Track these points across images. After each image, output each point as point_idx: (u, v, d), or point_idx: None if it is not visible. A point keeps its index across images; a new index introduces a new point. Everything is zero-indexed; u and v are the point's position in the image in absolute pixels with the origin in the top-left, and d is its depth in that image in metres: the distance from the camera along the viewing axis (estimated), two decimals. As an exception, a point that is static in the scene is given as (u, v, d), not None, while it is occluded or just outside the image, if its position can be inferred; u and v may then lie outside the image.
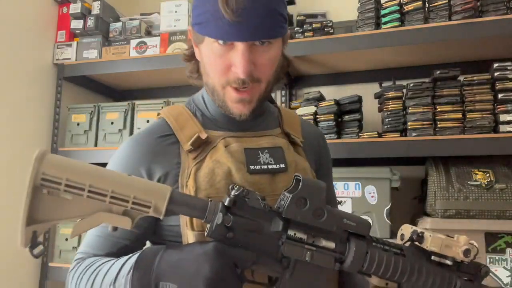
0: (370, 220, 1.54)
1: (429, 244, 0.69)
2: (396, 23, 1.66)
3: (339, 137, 1.69)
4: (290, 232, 0.65)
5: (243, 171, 0.75)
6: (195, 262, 0.61)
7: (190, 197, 0.65)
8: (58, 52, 2.11)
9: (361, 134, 1.66)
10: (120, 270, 0.65)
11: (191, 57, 0.84)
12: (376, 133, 1.64)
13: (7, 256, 1.82)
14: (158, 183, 0.64)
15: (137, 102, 2.00)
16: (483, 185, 1.46)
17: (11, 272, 1.84)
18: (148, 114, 1.95)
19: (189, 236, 0.72)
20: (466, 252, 0.69)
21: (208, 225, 0.62)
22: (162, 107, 1.91)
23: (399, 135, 1.61)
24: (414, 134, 1.57)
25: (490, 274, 1.39)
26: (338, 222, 0.66)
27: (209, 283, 0.59)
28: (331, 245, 0.66)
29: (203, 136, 0.76)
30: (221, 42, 0.71)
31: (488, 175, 1.48)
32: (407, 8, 1.65)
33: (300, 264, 0.65)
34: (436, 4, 1.61)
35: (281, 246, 0.64)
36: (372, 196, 1.56)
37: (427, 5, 1.64)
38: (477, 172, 1.50)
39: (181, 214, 0.64)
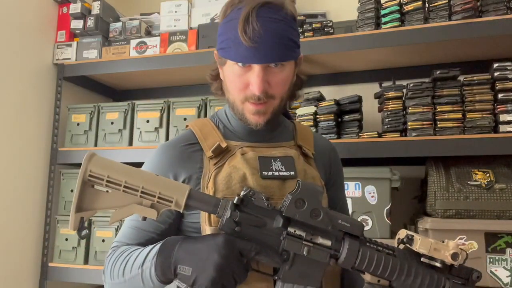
0: (370, 220, 1.54)
1: (418, 246, 0.74)
2: (396, 23, 1.66)
3: (339, 137, 1.70)
4: (290, 229, 0.74)
5: (256, 176, 0.85)
6: (207, 250, 0.72)
7: (205, 195, 0.77)
8: (58, 52, 2.11)
9: (361, 134, 1.66)
10: (147, 255, 0.78)
11: (216, 76, 0.96)
12: (376, 133, 1.64)
13: (7, 256, 1.82)
14: (180, 183, 0.78)
15: (137, 102, 2.00)
16: (483, 185, 1.46)
17: (11, 272, 1.84)
18: (148, 114, 1.95)
19: (207, 231, 0.83)
20: (454, 256, 0.73)
21: (220, 220, 0.74)
22: (162, 107, 1.92)
23: (399, 135, 1.61)
24: (414, 134, 1.57)
25: (490, 274, 1.39)
26: (333, 222, 0.74)
27: (217, 267, 0.70)
28: (327, 242, 0.75)
29: (223, 145, 0.88)
30: (240, 64, 0.84)
31: (488, 175, 1.48)
32: (407, 8, 1.65)
33: (298, 257, 0.74)
34: (436, 4, 1.61)
35: (282, 241, 0.74)
36: (372, 196, 1.56)
37: (427, 5, 1.64)
38: (477, 172, 1.50)
39: (197, 209, 0.76)
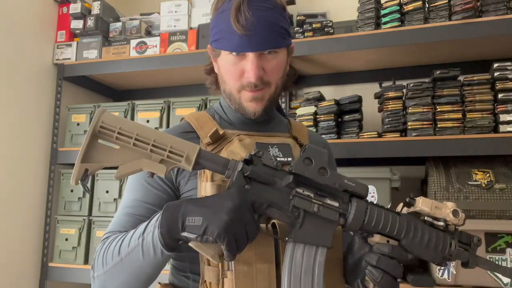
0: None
1: (420, 204, 0.76)
2: (396, 23, 1.66)
3: (339, 137, 1.70)
4: (299, 190, 0.74)
5: None
6: (219, 200, 0.71)
7: (215, 155, 0.76)
8: (58, 52, 2.11)
9: (361, 134, 1.66)
10: (148, 223, 0.75)
11: (210, 71, 0.98)
12: (376, 133, 1.64)
13: (8, 256, 1.82)
14: (190, 142, 0.75)
15: (137, 102, 2.00)
16: (483, 185, 1.46)
17: (11, 272, 1.84)
18: (148, 114, 1.95)
19: None
20: (455, 213, 0.75)
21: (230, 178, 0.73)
22: (162, 107, 1.92)
23: (399, 135, 1.61)
24: (414, 134, 1.57)
25: (491, 274, 1.39)
26: (339, 181, 0.74)
27: (231, 212, 0.68)
28: (335, 203, 0.75)
29: (220, 131, 0.88)
30: (234, 53, 0.85)
31: (488, 175, 1.48)
32: (407, 8, 1.65)
33: (308, 216, 0.74)
34: (436, 4, 1.61)
35: (291, 200, 0.73)
36: (372, 196, 1.56)
37: (427, 5, 1.64)
38: (477, 172, 1.50)
39: (206, 169, 0.75)
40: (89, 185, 0.75)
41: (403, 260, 0.75)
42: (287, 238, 0.75)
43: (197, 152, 0.71)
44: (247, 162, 0.73)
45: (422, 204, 0.75)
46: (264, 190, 0.73)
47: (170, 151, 0.71)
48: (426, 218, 0.76)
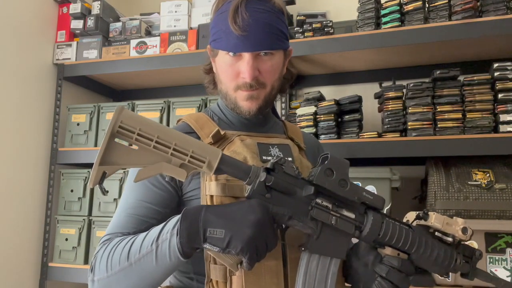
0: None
1: (433, 220, 0.78)
2: (396, 23, 1.65)
3: (339, 137, 1.70)
4: (318, 200, 0.74)
5: (256, 160, 0.84)
6: (241, 211, 0.70)
7: (237, 160, 0.74)
8: (58, 52, 2.11)
9: (361, 134, 1.66)
10: (162, 228, 0.74)
11: (209, 70, 0.99)
12: (376, 133, 1.64)
13: (8, 256, 1.82)
14: (211, 146, 0.75)
15: (137, 102, 2.00)
16: (483, 185, 1.46)
17: (11, 272, 1.84)
18: (148, 114, 1.95)
19: None
20: (464, 230, 0.79)
21: (249, 187, 0.72)
22: (162, 107, 1.92)
23: (399, 135, 1.61)
24: (414, 134, 1.57)
25: (491, 274, 1.39)
26: (358, 193, 0.75)
27: (254, 226, 0.68)
28: (351, 215, 0.76)
29: (222, 132, 0.88)
30: (231, 54, 0.86)
31: (488, 175, 1.48)
32: (407, 8, 1.65)
33: (325, 228, 0.75)
34: (436, 4, 1.61)
35: (310, 211, 0.74)
36: (372, 196, 1.56)
37: (427, 5, 1.64)
38: (477, 172, 1.50)
39: (228, 174, 0.74)
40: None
41: (412, 273, 0.78)
42: (303, 248, 0.76)
43: (219, 158, 0.70)
44: (268, 170, 0.72)
45: (435, 220, 0.78)
46: (284, 199, 0.73)
47: (192, 156, 0.69)
48: (436, 233, 0.79)
